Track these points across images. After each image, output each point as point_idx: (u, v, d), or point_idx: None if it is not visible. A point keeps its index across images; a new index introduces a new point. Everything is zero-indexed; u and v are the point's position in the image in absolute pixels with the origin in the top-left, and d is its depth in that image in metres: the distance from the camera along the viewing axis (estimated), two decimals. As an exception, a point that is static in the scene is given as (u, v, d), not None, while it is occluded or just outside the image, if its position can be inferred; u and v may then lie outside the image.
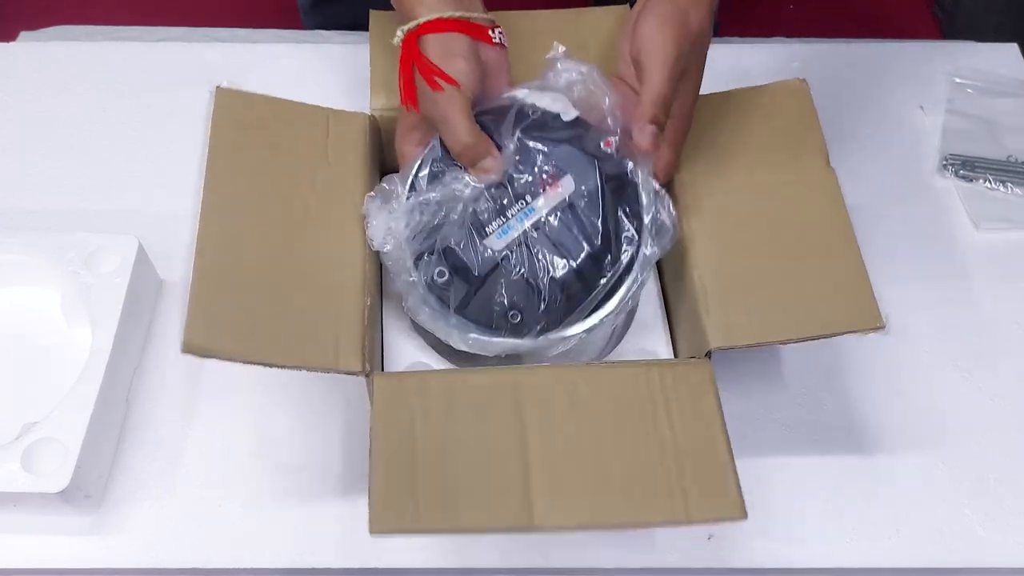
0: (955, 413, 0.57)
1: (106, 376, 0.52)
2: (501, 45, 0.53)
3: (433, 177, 0.51)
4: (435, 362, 0.54)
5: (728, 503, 0.45)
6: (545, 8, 0.61)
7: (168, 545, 0.52)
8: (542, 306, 0.50)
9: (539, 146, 0.51)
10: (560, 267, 0.50)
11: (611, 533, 0.53)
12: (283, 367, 0.47)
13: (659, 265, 0.58)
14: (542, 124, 0.51)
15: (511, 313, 0.51)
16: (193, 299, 0.47)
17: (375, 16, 0.61)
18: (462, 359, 0.54)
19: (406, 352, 0.55)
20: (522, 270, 0.50)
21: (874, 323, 0.48)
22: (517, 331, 0.51)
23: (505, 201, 0.51)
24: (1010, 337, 0.61)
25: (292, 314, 0.49)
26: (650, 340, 0.55)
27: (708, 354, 0.49)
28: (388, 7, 0.55)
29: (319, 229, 0.52)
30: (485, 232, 0.51)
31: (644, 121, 0.49)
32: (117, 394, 0.55)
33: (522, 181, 0.51)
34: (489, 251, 0.50)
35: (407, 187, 0.51)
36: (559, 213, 0.51)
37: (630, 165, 0.51)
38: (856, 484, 0.55)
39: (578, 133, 0.51)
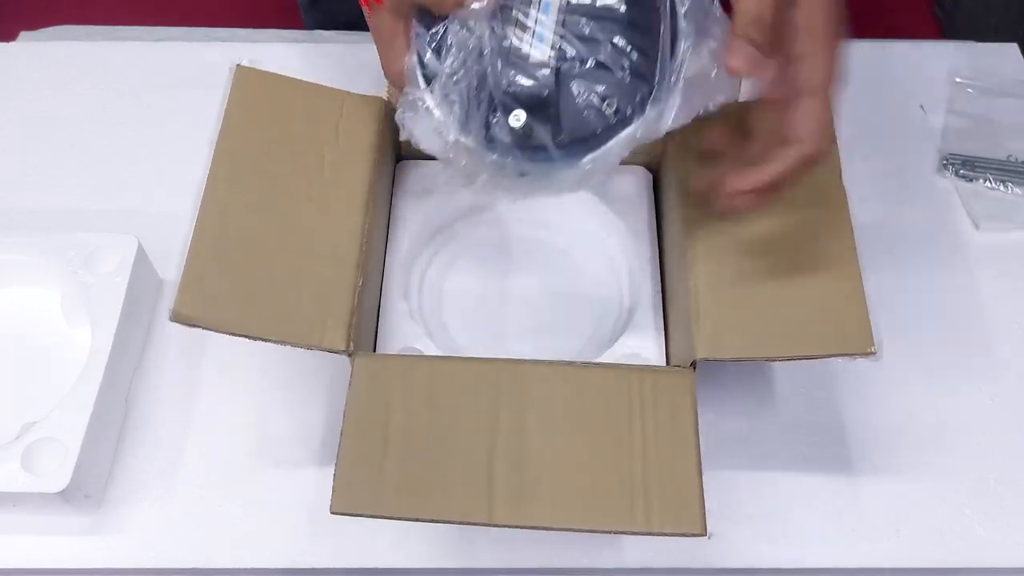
0: (955, 413, 0.57)
1: (106, 376, 0.52)
2: None
3: (437, 53, 0.45)
4: (427, 348, 0.54)
5: (689, 517, 0.44)
6: None
7: (168, 545, 0.52)
8: (626, 78, 0.44)
9: None
10: (616, 39, 0.44)
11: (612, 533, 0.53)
12: (266, 340, 0.47)
13: (661, 266, 0.59)
14: None
15: (606, 104, 0.44)
16: (187, 270, 0.47)
17: None
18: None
19: (400, 338, 0.55)
20: (586, 59, 0.44)
21: (865, 348, 0.47)
22: (622, 121, 0.45)
23: (519, 15, 0.44)
24: (1010, 337, 0.61)
25: (284, 290, 0.49)
26: (644, 344, 0.55)
27: (693, 364, 0.49)
28: None
29: (321, 208, 0.52)
30: (522, 54, 0.44)
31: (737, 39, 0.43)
32: (117, 394, 0.55)
33: None
34: (541, 66, 0.44)
35: (422, 86, 0.45)
36: None
37: None
38: (856, 484, 0.55)
39: None
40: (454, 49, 0.44)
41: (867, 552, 0.53)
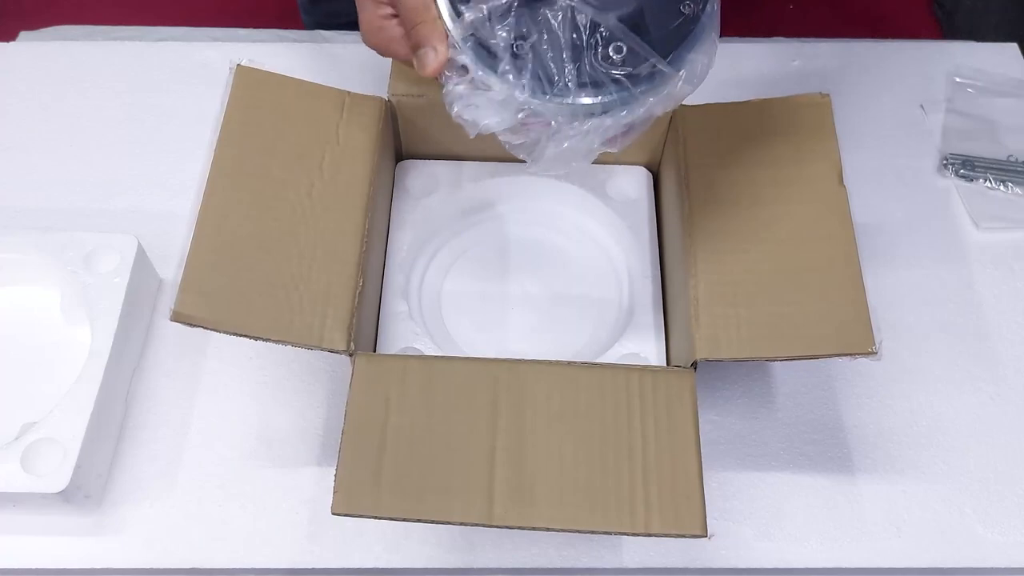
0: (955, 413, 0.57)
1: (105, 376, 0.52)
2: None
3: (469, 32, 0.44)
4: (427, 348, 0.54)
5: (690, 518, 0.44)
6: None
7: (168, 545, 0.52)
8: None
9: None
10: None
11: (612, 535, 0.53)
12: (266, 340, 0.47)
13: (661, 266, 0.59)
14: None
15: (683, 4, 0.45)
16: (187, 269, 0.48)
17: None
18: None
19: (400, 338, 0.55)
20: None
21: (866, 347, 0.47)
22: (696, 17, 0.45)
23: None
24: (1010, 337, 0.61)
25: (284, 291, 0.49)
26: (645, 344, 0.55)
27: (694, 364, 0.49)
28: None
29: (321, 208, 0.52)
30: None
31: None
32: (116, 394, 0.55)
33: None
34: None
35: (476, 63, 0.44)
36: None
37: None
38: (856, 484, 0.55)
39: None
40: (498, 17, 0.43)
41: (867, 552, 0.53)
